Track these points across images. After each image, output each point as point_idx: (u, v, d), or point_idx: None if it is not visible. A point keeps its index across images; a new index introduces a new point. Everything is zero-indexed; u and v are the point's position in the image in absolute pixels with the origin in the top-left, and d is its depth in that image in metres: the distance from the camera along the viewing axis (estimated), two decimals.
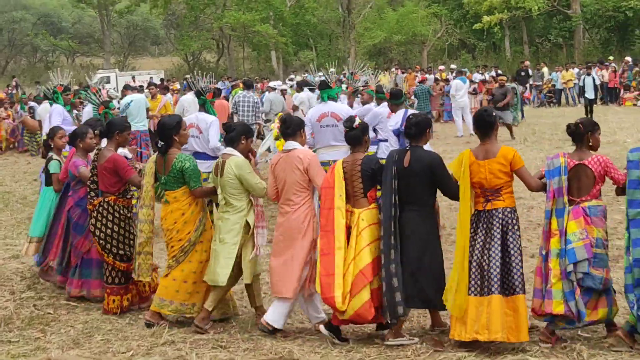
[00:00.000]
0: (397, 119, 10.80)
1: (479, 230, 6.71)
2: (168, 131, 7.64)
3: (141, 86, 24.75)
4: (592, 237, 6.55)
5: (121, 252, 8.10)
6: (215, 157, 9.57)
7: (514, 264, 6.60)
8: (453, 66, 36.30)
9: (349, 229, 6.97)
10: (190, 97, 16.74)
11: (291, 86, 24.36)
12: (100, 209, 8.08)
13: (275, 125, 11.64)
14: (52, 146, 9.37)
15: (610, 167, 6.65)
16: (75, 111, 14.43)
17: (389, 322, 6.85)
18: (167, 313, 7.75)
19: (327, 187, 7.05)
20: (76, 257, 8.55)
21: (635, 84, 33.16)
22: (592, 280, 6.51)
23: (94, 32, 67.36)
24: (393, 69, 39.29)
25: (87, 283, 8.49)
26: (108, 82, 41.94)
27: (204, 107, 11.19)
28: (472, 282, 6.61)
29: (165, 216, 7.66)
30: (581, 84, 28.53)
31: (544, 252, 6.67)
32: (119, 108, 14.52)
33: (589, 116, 24.18)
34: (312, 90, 18.82)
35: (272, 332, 7.25)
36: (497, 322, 6.44)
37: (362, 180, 6.99)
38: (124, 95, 17.67)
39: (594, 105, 27.35)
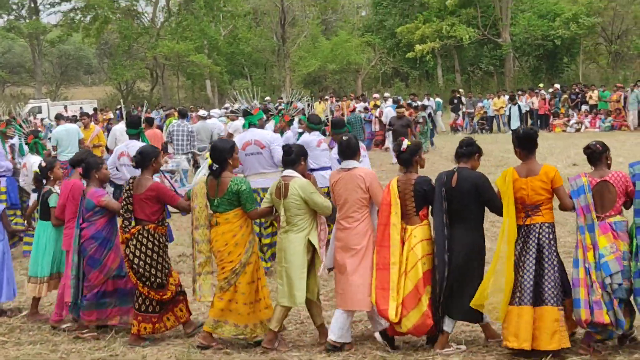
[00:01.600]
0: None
1: (516, 244, 7.00)
2: (222, 154, 7.70)
3: (74, 116, 24.42)
4: (620, 251, 6.84)
5: (158, 280, 7.92)
6: None
7: (546, 277, 6.88)
8: (387, 94, 36.65)
9: (402, 245, 7.22)
10: (122, 126, 16.53)
11: (226, 115, 24.24)
12: (140, 237, 7.88)
13: (209, 155, 11.53)
14: (50, 178, 9.06)
15: (629, 182, 6.95)
16: (10, 141, 14.15)
17: (440, 333, 7.18)
18: (221, 334, 7.71)
19: (384, 204, 7.30)
20: (88, 290, 8.25)
21: (564, 110, 33.94)
22: (622, 291, 6.80)
23: (24, 62, 66.39)
24: (327, 97, 39.47)
25: (103, 312, 8.33)
26: (39, 112, 41.39)
27: (138, 136, 11.19)
28: (517, 293, 6.90)
29: (216, 238, 7.66)
30: (507, 113, 28.22)
31: (586, 265, 6.88)
32: (49, 138, 14.34)
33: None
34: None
35: (340, 348, 7.35)
36: (527, 331, 6.76)
37: (414, 199, 7.27)
38: (57, 124, 17.44)
39: None
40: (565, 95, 34.51)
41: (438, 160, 20.18)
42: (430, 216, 7.40)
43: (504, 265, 6.90)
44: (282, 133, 14.10)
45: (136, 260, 7.83)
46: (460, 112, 36.35)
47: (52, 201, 8.83)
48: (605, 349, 7.05)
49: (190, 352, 7.65)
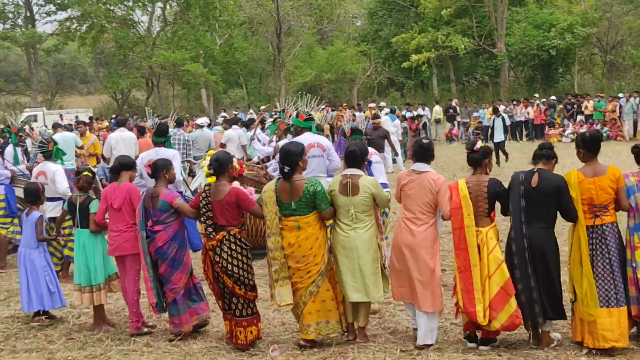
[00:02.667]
0: None
1: (592, 244, 7.13)
2: (293, 157, 7.75)
3: (70, 124, 24.40)
4: None
5: (251, 282, 7.97)
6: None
7: (620, 277, 7.12)
8: (382, 104, 36.69)
9: (478, 247, 7.31)
10: (117, 135, 16.56)
11: (218, 122, 24.25)
12: (227, 242, 7.91)
13: (206, 163, 11.54)
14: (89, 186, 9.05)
15: None
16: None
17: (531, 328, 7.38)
18: (309, 337, 7.79)
19: (455, 207, 7.40)
20: (174, 293, 8.29)
21: (560, 120, 34.01)
22: None
23: (20, 71, 66.39)
24: (323, 107, 39.40)
25: (197, 309, 8.44)
26: (35, 120, 41.33)
27: (165, 144, 11.57)
28: (599, 295, 7.08)
29: (299, 242, 7.68)
30: (491, 125, 26.07)
31: (633, 264, 7.10)
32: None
33: (497, 159, 23.28)
34: (247, 126, 18.92)
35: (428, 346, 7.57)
36: (625, 331, 7.07)
37: (487, 200, 7.38)
38: (54, 133, 17.43)
39: (504, 145, 24.67)
40: (561, 106, 34.61)
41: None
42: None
43: (584, 268, 7.09)
44: (279, 140, 14.14)
45: (229, 267, 7.87)
46: (455, 122, 36.47)
47: (94, 207, 8.80)
48: None
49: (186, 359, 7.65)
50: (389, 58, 55.57)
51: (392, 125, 24.57)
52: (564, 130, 33.14)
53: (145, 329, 8.64)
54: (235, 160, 11.48)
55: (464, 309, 7.29)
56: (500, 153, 23.75)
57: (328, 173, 10.93)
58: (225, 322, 8.13)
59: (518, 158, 25.29)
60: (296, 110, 14.49)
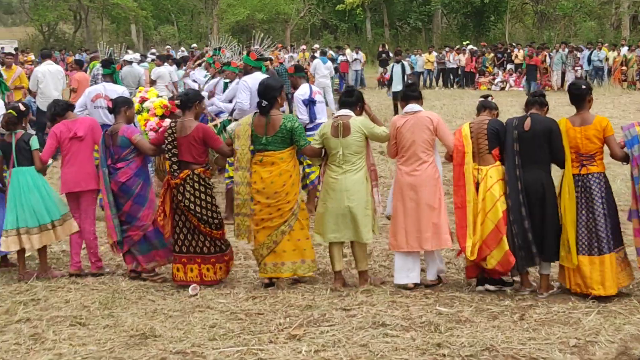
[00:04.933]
0: (304, 90, 11.15)
1: (576, 193, 7.26)
2: (272, 92, 7.74)
3: None
4: None
5: (216, 221, 7.93)
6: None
7: (604, 225, 7.23)
8: (316, 46, 36.49)
9: (477, 185, 7.47)
10: (44, 68, 16.17)
11: (152, 60, 23.79)
12: (191, 181, 7.82)
13: (136, 100, 11.32)
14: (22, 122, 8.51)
15: None
16: None
17: (520, 273, 7.53)
18: (284, 276, 7.82)
19: (457, 145, 7.57)
20: (141, 230, 8.18)
21: (491, 69, 34.36)
22: None
23: None
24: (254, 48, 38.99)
25: (151, 255, 8.29)
26: None
27: (112, 77, 11.49)
28: (581, 243, 7.24)
29: (272, 178, 7.66)
30: (389, 73, 23.16)
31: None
32: None
33: (395, 111, 20.18)
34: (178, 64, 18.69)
35: (433, 286, 7.73)
36: (612, 279, 7.17)
37: (487, 138, 7.50)
38: None
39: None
40: (492, 54, 34.92)
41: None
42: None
43: (567, 216, 7.23)
44: (211, 79, 13.95)
45: (192, 206, 7.82)
46: (387, 67, 36.49)
47: (36, 143, 8.34)
48: None
49: (114, 297, 7.59)
50: (323, 0, 55.13)
51: (324, 68, 24.54)
52: (493, 79, 33.52)
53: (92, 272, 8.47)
54: (165, 98, 11.32)
55: (459, 244, 7.51)
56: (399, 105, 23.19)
57: None
58: (175, 265, 8.04)
59: (449, 105, 25.54)
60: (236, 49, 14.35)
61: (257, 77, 10.31)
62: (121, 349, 6.30)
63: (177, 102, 8.25)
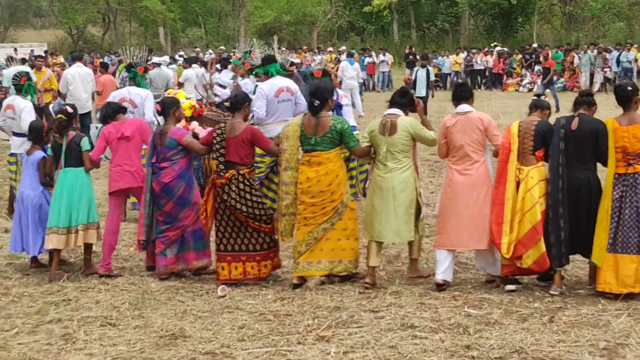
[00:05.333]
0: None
1: (622, 192, 7.30)
2: (324, 93, 7.86)
3: (24, 59, 23.86)
4: None
5: (264, 217, 8.03)
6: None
7: None
8: (342, 48, 36.47)
9: (517, 184, 7.53)
10: (74, 71, 16.33)
11: (179, 63, 23.91)
12: (236, 181, 7.93)
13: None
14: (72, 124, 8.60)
15: None
16: None
17: (552, 272, 7.50)
18: (318, 274, 7.86)
19: (504, 143, 7.65)
20: (181, 230, 8.28)
21: (519, 70, 34.18)
22: None
23: None
24: (282, 49, 39.11)
25: (184, 257, 8.37)
26: None
27: (135, 80, 11.38)
28: (622, 241, 7.24)
29: (319, 178, 7.78)
30: (413, 77, 23.11)
31: None
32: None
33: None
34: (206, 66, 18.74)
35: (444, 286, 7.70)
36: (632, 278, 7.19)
37: (534, 138, 7.55)
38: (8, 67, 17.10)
39: (427, 101, 21.93)
40: (520, 56, 34.74)
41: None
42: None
43: (601, 215, 7.30)
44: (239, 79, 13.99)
45: (238, 205, 7.93)
46: (414, 69, 36.36)
47: (86, 144, 8.45)
48: None
49: (144, 298, 7.65)
50: (350, 1, 55.10)
51: (351, 69, 24.50)
52: (521, 80, 33.34)
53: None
54: (194, 100, 11.36)
55: (493, 239, 7.55)
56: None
57: (294, 117, 10.81)
58: (219, 263, 8.10)
59: (476, 106, 25.39)
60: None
61: (274, 84, 10.35)
62: (151, 349, 6.36)
63: (226, 104, 8.35)
